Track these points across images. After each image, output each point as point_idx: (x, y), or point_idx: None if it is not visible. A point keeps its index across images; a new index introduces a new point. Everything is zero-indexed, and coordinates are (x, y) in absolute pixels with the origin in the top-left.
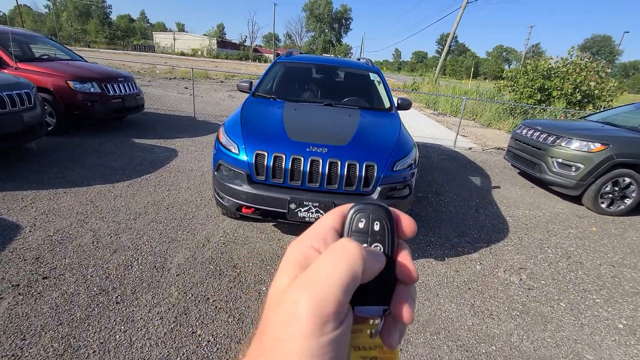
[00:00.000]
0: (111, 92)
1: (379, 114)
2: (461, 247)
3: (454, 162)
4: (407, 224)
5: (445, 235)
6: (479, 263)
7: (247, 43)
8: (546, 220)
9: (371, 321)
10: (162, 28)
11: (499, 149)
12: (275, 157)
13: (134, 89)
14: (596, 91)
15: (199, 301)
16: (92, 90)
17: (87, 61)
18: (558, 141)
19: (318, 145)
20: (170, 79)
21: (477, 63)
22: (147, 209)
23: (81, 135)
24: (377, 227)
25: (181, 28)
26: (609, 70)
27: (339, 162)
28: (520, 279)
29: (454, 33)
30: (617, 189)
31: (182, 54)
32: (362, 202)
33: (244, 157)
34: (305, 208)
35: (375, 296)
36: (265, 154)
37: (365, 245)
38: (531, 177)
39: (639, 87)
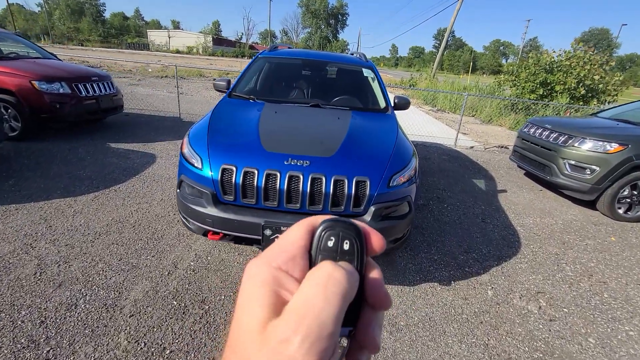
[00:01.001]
0: (83, 93)
1: (372, 116)
2: (469, 267)
3: (455, 163)
4: (376, 240)
5: (450, 252)
6: (490, 287)
7: (243, 40)
8: (560, 229)
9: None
10: (157, 26)
11: (501, 147)
12: (246, 173)
13: (110, 89)
14: (600, 85)
15: (153, 353)
16: (61, 90)
17: (60, 59)
18: (570, 141)
19: (298, 158)
20: (161, 77)
21: (474, 58)
22: (109, 227)
23: (50, 140)
24: (346, 246)
25: (176, 25)
26: (612, 64)
27: (324, 178)
28: (540, 307)
29: (452, 27)
30: (635, 192)
31: (178, 51)
32: (331, 218)
33: (208, 173)
34: None
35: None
36: (234, 168)
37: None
38: (539, 178)
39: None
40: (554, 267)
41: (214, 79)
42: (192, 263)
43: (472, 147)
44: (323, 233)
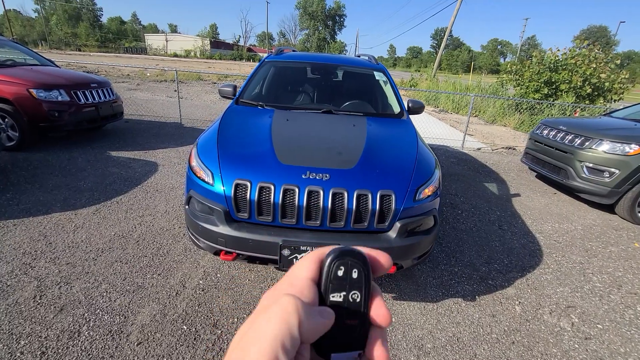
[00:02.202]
0: (82, 100)
1: (389, 122)
2: (492, 279)
3: (464, 166)
4: (384, 260)
5: (471, 263)
6: (517, 302)
7: (241, 43)
8: (580, 235)
9: None
10: (154, 30)
11: (509, 148)
12: (262, 189)
13: (109, 95)
14: (607, 84)
15: None
16: (59, 98)
17: (58, 66)
18: (587, 143)
19: (317, 171)
20: (160, 81)
21: (472, 57)
22: (112, 243)
23: (49, 150)
24: (355, 275)
25: (174, 29)
26: (618, 62)
27: (346, 193)
28: (572, 324)
29: (451, 27)
30: None
31: (175, 55)
32: (339, 248)
33: (220, 189)
34: (303, 254)
35: (352, 341)
36: (248, 184)
37: (343, 293)
38: (552, 181)
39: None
40: (581, 277)
41: (219, 84)
42: (200, 282)
43: (479, 149)
44: (332, 264)
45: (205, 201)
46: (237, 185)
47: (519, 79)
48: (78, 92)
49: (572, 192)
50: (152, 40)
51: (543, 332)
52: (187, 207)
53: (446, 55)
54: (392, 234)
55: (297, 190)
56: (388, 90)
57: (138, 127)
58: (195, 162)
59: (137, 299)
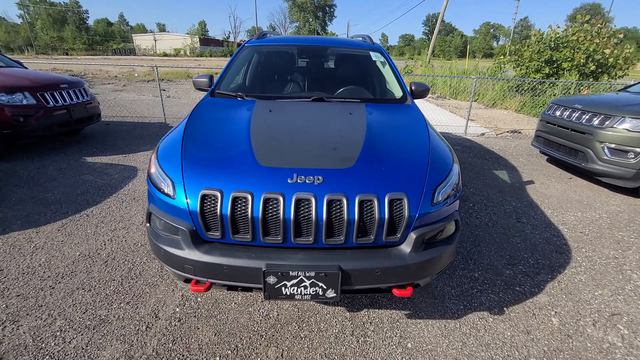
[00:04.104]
0: (51, 103)
1: (391, 109)
2: (519, 285)
3: (470, 153)
4: None
5: (492, 266)
6: (553, 312)
7: (231, 39)
8: (607, 225)
9: None
10: (142, 30)
11: (514, 131)
12: (236, 200)
13: (83, 96)
14: (610, 59)
15: None
16: (24, 102)
17: (25, 67)
18: (608, 122)
19: (307, 172)
20: (148, 81)
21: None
22: (75, 265)
23: (17, 159)
24: None
25: (162, 28)
26: (621, 36)
27: (345, 199)
28: (622, 337)
29: (444, 12)
30: None
31: (165, 54)
32: None
33: (183, 202)
34: (294, 281)
35: None
36: (219, 194)
37: None
38: (566, 165)
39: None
40: (619, 275)
41: (195, 76)
42: (177, 309)
43: (483, 134)
44: None
45: (166, 218)
46: (204, 197)
47: (518, 59)
48: (46, 94)
49: (590, 176)
50: (141, 41)
51: (590, 350)
52: (148, 225)
53: (439, 41)
54: (406, 247)
55: (281, 199)
56: (387, 72)
57: (119, 129)
58: (154, 170)
59: (98, 338)
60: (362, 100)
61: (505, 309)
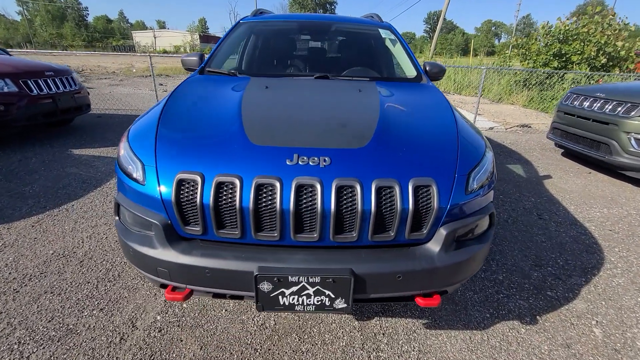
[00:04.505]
0: (35, 91)
1: (407, 87)
2: (550, 289)
3: None
4: None
5: (517, 267)
6: (594, 322)
7: None
8: (638, 222)
9: None
10: (142, 27)
11: (523, 126)
12: (221, 186)
13: (70, 85)
14: (622, 52)
15: None
16: (5, 89)
17: (9, 54)
18: (635, 111)
19: (311, 153)
20: (146, 76)
21: (466, 40)
22: (47, 266)
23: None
24: None
25: (162, 25)
26: (632, 28)
27: (359, 186)
28: None
29: (447, 8)
30: None
31: (165, 52)
32: None
33: (155, 189)
34: (294, 288)
35: None
36: (199, 179)
37: None
38: (583, 158)
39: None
40: None
41: (184, 55)
42: (158, 317)
43: (491, 128)
44: None
45: (135, 210)
46: (181, 183)
47: (525, 53)
48: (29, 82)
49: (613, 171)
50: (140, 38)
51: None
52: (117, 219)
53: (440, 39)
54: (434, 246)
55: (278, 185)
56: (398, 50)
57: (111, 121)
58: (123, 152)
59: (61, 352)
60: (371, 79)
61: (538, 317)
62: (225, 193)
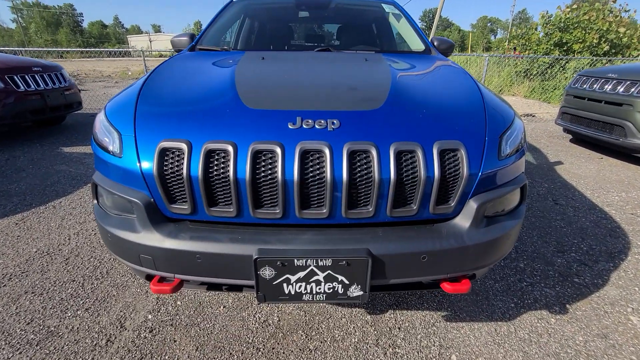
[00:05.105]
0: (22, 87)
1: (417, 58)
2: (577, 276)
3: None
4: None
5: (540, 254)
6: (629, 309)
7: None
8: None
9: None
10: (137, 31)
11: (528, 115)
12: (211, 154)
13: (60, 82)
14: (625, 39)
15: None
16: None
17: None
18: None
19: (317, 115)
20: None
21: (463, 36)
22: (29, 264)
23: None
24: None
25: (157, 29)
26: (634, 15)
27: (375, 150)
28: None
29: (442, 5)
30: None
31: (161, 55)
32: None
33: (134, 161)
34: (301, 273)
35: None
36: (185, 147)
37: None
38: (593, 143)
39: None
40: None
41: (174, 36)
42: (149, 316)
43: None
44: None
45: (113, 188)
46: (164, 152)
47: (525, 43)
48: (15, 77)
49: (625, 154)
50: (136, 42)
51: None
52: (95, 202)
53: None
54: (463, 221)
55: (279, 151)
56: (404, 25)
57: None
58: (99, 126)
59: (39, 358)
60: (377, 52)
61: (568, 306)
62: (216, 163)
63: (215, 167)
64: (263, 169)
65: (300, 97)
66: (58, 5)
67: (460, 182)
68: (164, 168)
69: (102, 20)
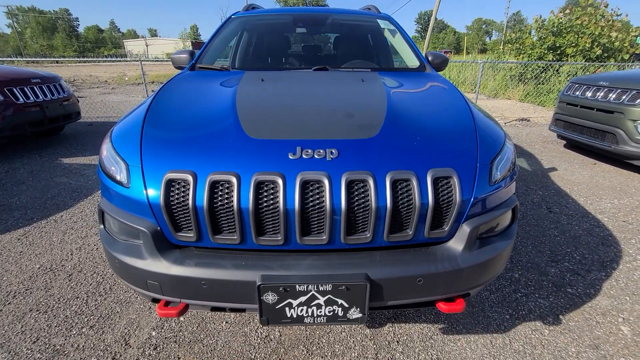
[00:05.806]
0: (22, 99)
1: (412, 76)
2: (570, 286)
3: None
4: None
5: (533, 263)
6: (620, 319)
7: None
8: None
9: None
10: (134, 36)
11: (522, 119)
12: (216, 185)
13: (59, 92)
14: (617, 43)
15: None
16: None
17: None
18: None
19: (316, 145)
20: (138, 84)
21: (458, 38)
22: (33, 281)
23: None
24: None
25: (154, 34)
26: (626, 19)
27: (372, 179)
28: None
29: (438, 7)
30: None
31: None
32: None
33: (141, 191)
34: (302, 298)
35: None
36: (190, 178)
37: None
38: (586, 149)
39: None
40: None
41: (173, 53)
42: (153, 333)
43: None
44: None
45: (120, 216)
46: (170, 183)
47: (519, 47)
48: (14, 89)
49: (617, 160)
50: (132, 46)
51: None
52: (101, 227)
53: (432, 38)
54: (457, 244)
55: (280, 182)
56: (398, 41)
57: (103, 129)
58: (106, 154)
59: None
60: (373, 70)
61: (561, 317)
62: (220, 193)
63: (220, 198)
64: (265, 198)
65: (299, 126)
66: (54, 10)
67: (454, 208)
68: (171, 198)
69: (98, 25)
